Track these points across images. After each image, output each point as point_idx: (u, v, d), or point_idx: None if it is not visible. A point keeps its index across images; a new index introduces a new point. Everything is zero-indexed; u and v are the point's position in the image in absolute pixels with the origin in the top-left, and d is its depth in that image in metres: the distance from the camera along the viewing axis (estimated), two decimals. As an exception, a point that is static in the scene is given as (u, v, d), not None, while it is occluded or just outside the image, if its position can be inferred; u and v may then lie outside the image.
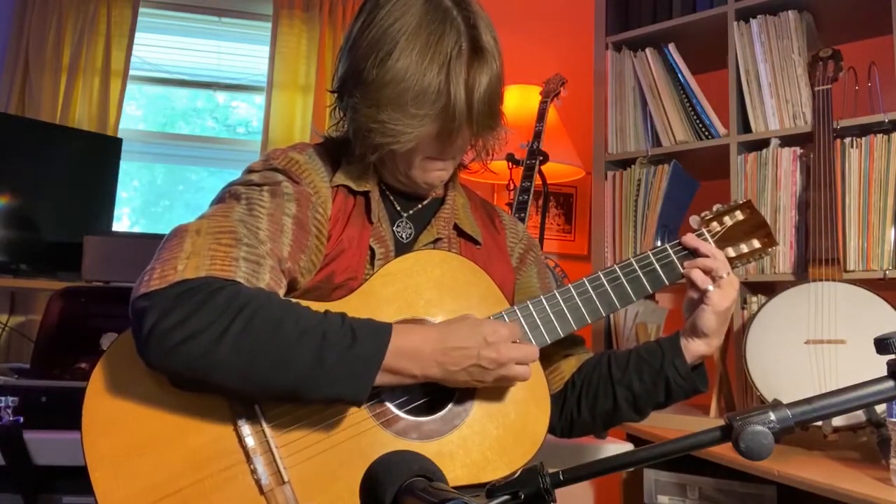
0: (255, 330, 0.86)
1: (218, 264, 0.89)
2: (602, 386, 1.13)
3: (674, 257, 1.11)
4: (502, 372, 0.95)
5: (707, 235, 1.14)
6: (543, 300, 1.05)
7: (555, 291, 1.06)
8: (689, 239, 1.11)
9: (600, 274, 1.08)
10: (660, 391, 1.11)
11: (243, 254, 0.92)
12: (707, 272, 1.07)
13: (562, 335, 1.05)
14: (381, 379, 0.91)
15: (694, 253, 1.10)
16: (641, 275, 1.10)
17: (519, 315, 1.03)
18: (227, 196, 1.00)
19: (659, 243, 1.16)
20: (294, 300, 0.95)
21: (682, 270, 1.10)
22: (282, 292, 0.96)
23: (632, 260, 1.10)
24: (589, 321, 1.07)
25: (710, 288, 1.06)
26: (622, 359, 1.14)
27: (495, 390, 1.00)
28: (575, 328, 1.06)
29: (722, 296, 1.06)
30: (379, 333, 0.91)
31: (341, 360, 0.88)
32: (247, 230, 0.94)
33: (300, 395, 0.89)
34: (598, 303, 1.07)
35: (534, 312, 1.04)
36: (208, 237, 0.91)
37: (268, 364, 0.86)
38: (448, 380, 0.95)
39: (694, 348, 1.10)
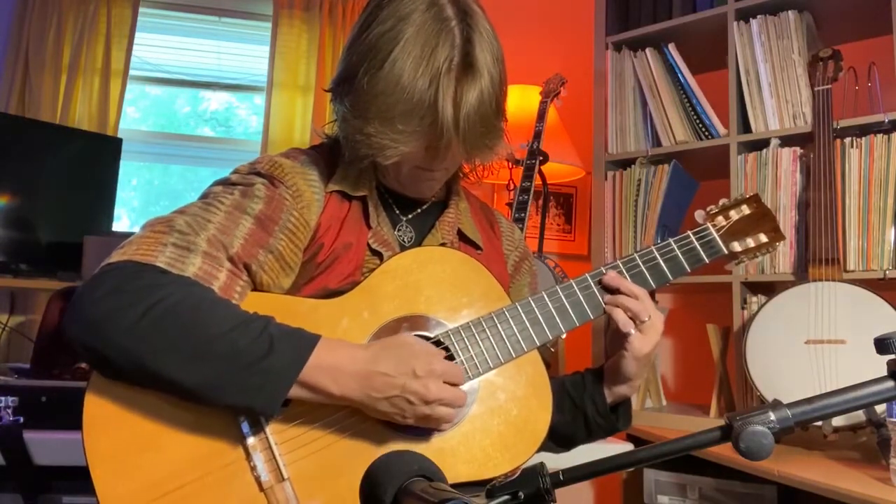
0: (169, 326, 0.85)
1: (142, 249, 0.89)
2: None
3: (594, 288, 1.06)
4: (427, 410, 0.89)
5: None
6: (545, 296, 1.04)
7: (556, 287, 1.06)
8: (611, 278, 1.05)
9: (602, 269, 1.08)
10: (580, 426, 1.11)
11: (173, 240, 0.91)
12: (629, 313, 1.03)
13: (563, 331, 1.05)
14: (297, 393, 0.88)
15: (616, 292, 1.05)
16: (645, 270, 1.09)
17: (520, 311, 1.03)
18: (201, 195, 1.01)
19: (659, 241, 1.15)
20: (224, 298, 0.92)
21: (603, 306, 1.05)
22: (223, 276, 0.93)
23: (635, 255, 1.10)
24: (591, 317, 1.06)
25: (632, 332, 1.03)
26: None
27: (497, 387, 1.00)
28: (577, 323, 1.05)
29: (643, 341, 1.03)
30: (300, 346, 0.88)
31: (251, 370, 0.85)
32: (189, 220, 0.93)
33: (206, 399, 0.87)
34: (600, 298, 1.06)
35: (535, 308, 1.04)
36: (147, 228, 0.93)
37: (176, 365, 0.85)
38: (368, 407, 0.90)
39: (615, 389, 1.09)
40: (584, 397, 1.10)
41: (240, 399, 0.86)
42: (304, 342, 0.88)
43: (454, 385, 0.92)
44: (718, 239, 1.12)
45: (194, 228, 0.93)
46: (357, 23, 1.01)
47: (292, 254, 0.99)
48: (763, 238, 1.15)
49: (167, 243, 0.91)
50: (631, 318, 1.03)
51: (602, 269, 1.08)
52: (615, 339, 1.07)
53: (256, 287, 0.98)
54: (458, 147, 0.96)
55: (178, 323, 0.85)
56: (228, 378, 0.85)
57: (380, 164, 1.01)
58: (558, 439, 1.13)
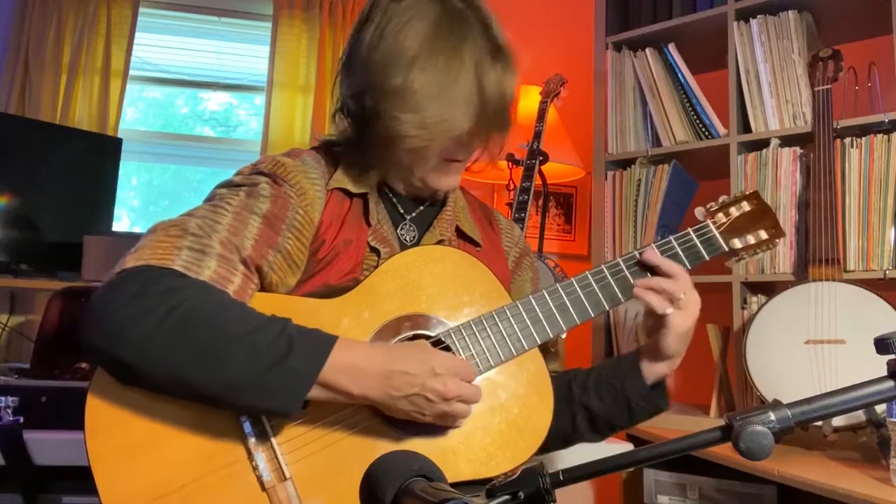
0: (188, 330, 0.85)
1: (158, 253, 0.89)
2: (562, 404, 1.09)
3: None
4: (445, 408, 0.91)
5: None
6: (545, 294, 1.05)
7: (557, 285, 1.06)
8: (649, 255, 1.06)
9: (603, 267, 1.08)
10: (621, 411, 1.10)
11: (187, 243, 0.91)
12: (665, 294, 1.04)
13: (564, 329, 1.05)
14: (316, 393, 0.88)
15: (653, 271, 1.06)
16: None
17: (521, 309, 1.03)
18: (206, 198, 1.02)
19: (660, 240, 1.16)
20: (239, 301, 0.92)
21: (633, 291, 1.05)
22: (238, 279, 0.93)
23: (636, 252, 1.10)
24: (592, 314, 1.06)
25: (669, 311, 1.03)
26: (583, 377, 1.13)
27: (498, 385, 1.00)
28: (578, 321, 1.05)
29: (683, 317, 1.04)
30: (319, 346, 0.88)
31: (271, 372, 0.85)
32: (201, 223, 0.94)
33: (227, 403, 0.88)
34: (600, 295, 1.06)
35: (536, 307, 1.04)
36: (160, 232, 0.93)
37: (195, 368, 0.85)
38: (388, 406, 0.91)
39: (655, 369, 1.09)
40: (625, 382, 1.09)
41: (261, 401, 0.86)
42: (323, 342, 0.89)
43: (469, 381, 0.94)
44: (719, 236, 1.12)
45: (206, 231, 0.93)
46: (365, 32, 1.01)
47: (299, 252, 1.00)
48: (763, 235, 1.14)
49: (182, 247, 0.91)
50: (667, 299, 1.04)
51: (602, 266, 1.08)
52: (651, 321, 1.07)
53: (264, 287, 0.99)
54: (495, 131, 1.02)
55: (199, 327, 0.85)
56: (250, 380, 0.85)
57: (398, 161, 1.04)
58: (599, 427, 1.12)
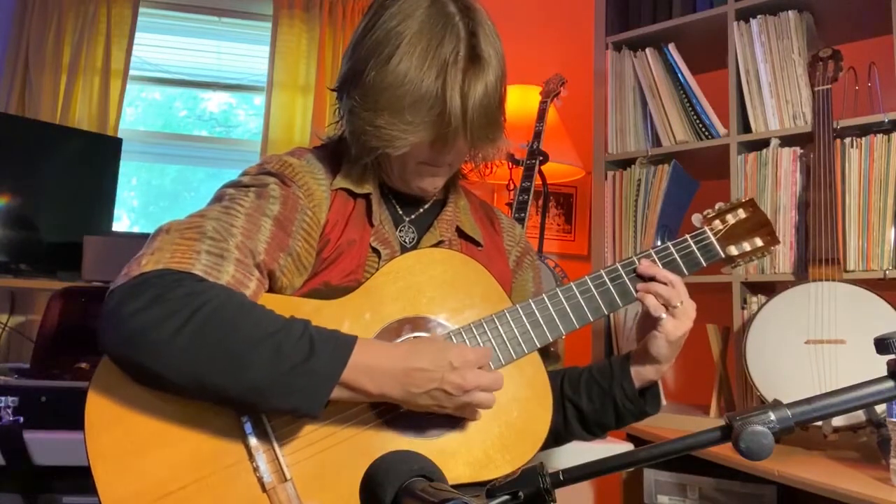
0: (211, 332, 0.84)
1: (177, 257, 0.89)
2: (554, 402, 1.08)
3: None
4: (466, 399, 0.91)
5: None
6: (546, 298, 1.05)
7: (557, 289, 1.06)
8: (645, 267, 1.07)
9: (602, 272, 1.08)
10: (608, 412, 1.11)
11: (206, 247, 0.91)
12: (660, 299, 1.05)
13: (563, 333, 1.05)
14: (337, 394, 0.88)
15: (651, 278, 1.07)
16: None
17: (521, 313, 1.03)
18: (214, 198, 1.01)
19: (659, 243, 1.15)
20: (259, 303, 0.93)
21: (634, 294, 1.07)
22: (253, 285, 0.94)
23: (634, 259, 1.10)
24: (591, 319, 1.06)
25: (664, 316, 1.04)
26: (575, 376, 1.14)
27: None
28: (577, 326, 1.06)
29: (675, 325, 1.04)
30: (340, 347, 0.88)
31: (295, 372, 0.85)
32: (216, 225, 0.93)
33: (251, 404, 0.88)
34: (600, 301, 1.07)
35: (536, 311, 1.04)
36: (175, 234, 0.92)
37: (220, 370, 0.85)
38: (408, 402, 0.92)
39: (643, 373, 1.10)
40: (613, 384, 1.10)
41: (285, 402, 0.86)
42: (344, 343, 0.89)
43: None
44: (716, 243, 1.13)
45: (223, 235, 0.93)
46: (361, 23, 1.03)
47: (307, 254, 1.00)
48: (759, 242, 1.15)
49: (201, 251, 0.90)
50: (662, 304, 1.04)
51: (601, 272, 1.08)
52: (646, 323, 1.08)
53: (274, 289, 0.99)
54: (463, 139, 0.98)
55: (221, 330, 0.85)
56: (274, 381, 0.85)
57: (384, 161, 1.03)
58: (589, 427, 1.14)
